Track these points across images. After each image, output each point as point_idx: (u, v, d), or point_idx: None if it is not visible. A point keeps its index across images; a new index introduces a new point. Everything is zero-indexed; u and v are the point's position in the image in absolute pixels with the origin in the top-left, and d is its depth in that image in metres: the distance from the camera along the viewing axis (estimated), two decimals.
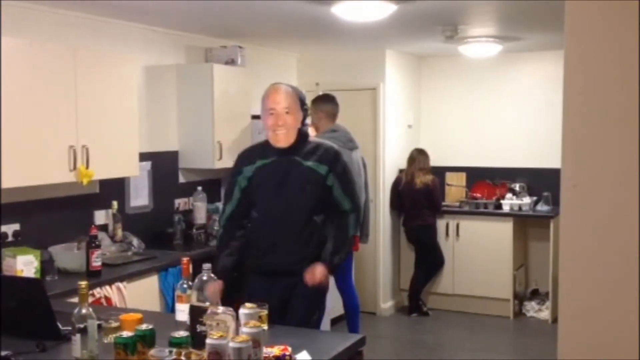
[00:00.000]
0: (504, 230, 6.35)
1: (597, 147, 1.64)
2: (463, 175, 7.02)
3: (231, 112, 5.28)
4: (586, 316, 1.69)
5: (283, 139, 3.16)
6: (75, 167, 3.96)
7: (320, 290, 3.25)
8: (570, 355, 1.71)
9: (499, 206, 6.52)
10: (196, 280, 2.53)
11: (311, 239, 3.20)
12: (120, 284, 3.92)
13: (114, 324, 2.51)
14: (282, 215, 3.20)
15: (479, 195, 6.74)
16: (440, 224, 6.57)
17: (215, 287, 2.96)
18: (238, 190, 3.29)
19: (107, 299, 3.81)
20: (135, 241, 4.57)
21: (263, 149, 3.28)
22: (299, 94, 3.23)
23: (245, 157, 3.32)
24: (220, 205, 5.07)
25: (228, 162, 5.21)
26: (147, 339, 2.24)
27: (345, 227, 3.29)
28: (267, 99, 3.20)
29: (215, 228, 5.01)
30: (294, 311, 3.18)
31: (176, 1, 4.09)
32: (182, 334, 2.24)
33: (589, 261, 1.68)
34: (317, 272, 3.14)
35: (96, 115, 4.11)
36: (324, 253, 3.21)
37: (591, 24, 1.64)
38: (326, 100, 5.08)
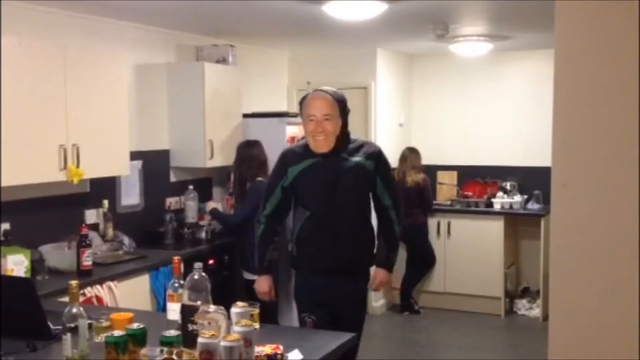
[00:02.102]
0: (495, 228, 6.37)
1: (586, 147, 1.65)
2: (454, 174, 7.04)
3: (222, 110, 5.27)
4: (576, 314, 1.70)
5: (322, 144, 3.26)
6: (65, 166, 3.94)
7: (365, 288, 3.47)
8: (561, 353, 1.72)
9: (490, 205, 6.54)
10: (187, 280, 2.52)
11: (365, 233, 3.39)
12: (111, 283, 3.91)
13: (105, 324, 2.50)
14: (336, 212, 3.30)
15: (470, 193, 6.76)
16: (432, 222, 6.58)
17: (269, 282, 3.43)
18: (280, 190, 3.42)
19: (98, 298, 3.80)
20: (126, 240, 4.55)
21: (308, 150, 3.35)
22: (338, 100, 3.30)
23: (290, 157, 3.41)
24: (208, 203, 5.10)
25: (219, 160, 5.22)
26: (138, 338, 2.24)
27: (390, 224, 3.43)
28: (307, 105, 3.29)
29: (205, 227, 5.03)
30: (351, 313, 3.37)
31: (168, 0, 4.07)
32: (174, 333, 2.23)
33: (579, 259, 1.69)
34: (381, 280, 3.43)
35: (86, 114, 4.10)
36: (379, 255, 3.42)
37: (581, 24, 1.65)
38: None
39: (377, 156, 3.36)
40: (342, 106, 3.30)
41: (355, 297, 3.42)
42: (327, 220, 3.31)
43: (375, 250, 3.46)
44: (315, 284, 3.35)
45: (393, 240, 3.46)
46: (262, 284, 3.49)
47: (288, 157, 3.42)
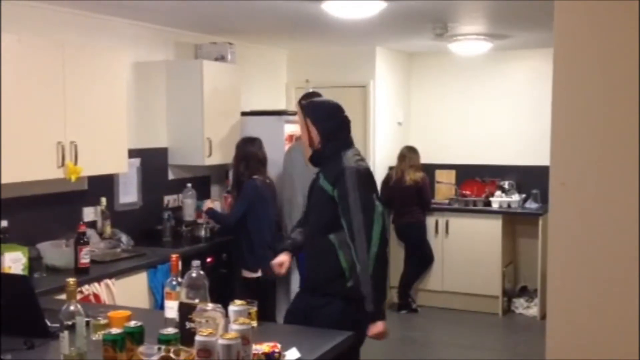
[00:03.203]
0: (493, 227, 6.37)
1: (585, 145, 1.64)
2: (453, 172, 7.04)
3: (221, 108, 5.27)
4: (574, 313, 1.70)
5: (305, 154, 3.22)
6: (63, 164, 3.94)
7: (336, 319, 3.01)
8: (559, 352, 1.72)
9: (488, 204, 6.54)
10: (185, 277, 2.52)
11: (326, 257, 3.07)
12: (109, 281, 3.91)
13: (103, 321, 2.50)
14: (306, 230, 3.26)
15: (468, 192, 6.76)
16: (430, 221, 6.59)
17: (283, 257, 3.27)
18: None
19: (96, 296, 3.80)
20: (124, 238, 4.55)
21: None
22: (309, 107, 3.14)
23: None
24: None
25: (217, 158, 5.22)
26: (135, 336, 2.24)
27: (362, 263, 2.99)
28: None
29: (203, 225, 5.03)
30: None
31: None
32: (171, 331, 2.23)
33: (577, 258, 1.69)
34: (372, 333, 3.03)
35: (85, 111, 4.09)
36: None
37: (580, 22, 1.65)
38: (312, 98, 5.06)
39: (336, 175, 3.04)
40: (315, 115, 3.11)
41: (318, 319, 3.05)
42: (305, 236, 3.30)
43: (348, 285, 3.05)
44: (299, 295, 3.36)
45: (358, 284, 2.99)
46: (278, 258, 3.32)
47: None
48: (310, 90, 5.65)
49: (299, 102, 3.27)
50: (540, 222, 6.21)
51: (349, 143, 3.18)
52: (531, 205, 6.48)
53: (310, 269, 3.21)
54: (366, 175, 3.11)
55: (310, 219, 3.22)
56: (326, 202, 3.06)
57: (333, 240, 3.05)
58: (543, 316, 6.15)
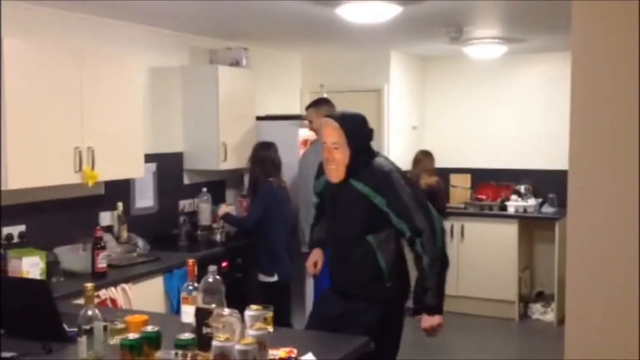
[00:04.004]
0: (509, 232, 6.34)
1: (604, 150, 1.63)
2: (468, 176, 7.01)
3: (236, 113, 5.28)
4: (593, 318, 1.69)
5: (334, 174, 3.15)
6: (80, 169, 3.96)
7: (376, 324, 3.10)
8: (577, 358, 1.71)
9: (504, 208, 6.50)
10: (202, 282, 2.52)
11: (364, 259, 3.11)
12: (125, 286, 3.92)
13: (120, 326, 2.51)
14: (336, 234, 3.25)
15: (483, 196, 6.73)
16: (445, 225, 6.54)
17: (314, 256, 3.42)
18: (316, 193, 3.50)
19: (113, 300, 3.81)
20: (140, 242, 4.57)
21: None
22: (346, 128, 3.11)
23: (320, 170, 3.39)
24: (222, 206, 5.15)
25: (232, 163, 5.23)
26: (153, 341, 2.25)
27: (418, 259, 3.12)
28: (321, 131, 3.22)
29: (219, 229, 5.04)
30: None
31: (181, 3, 4.09)
32: (188, 336, 2.24)
33: (595, 264, 1.68)
34: (424, 327, 3.20)
35: (101, 116, 4.12)
36: (418, 298, 3.18)
37: (598, 25, 1.64)
38: (321, 104, 5.07)
39: (379, 181, 3.09)
40: (353, 133, 3.12)
41: (358, 325, 3.08)
42: (331, 241, 3.32)
43: (387, 285, 3.18)
44: (323, 296, 3.39)
45: (424, 278, 3.13)
46: (311, 258, 3.49)
47: (319, 169, 3.42)
48: (325, 95, 5.67)
49: (334, 119, 3.15)
50: (557, 227, 6.17)
51: (375, 152, 3.24)
52: (547, 209, 6.43)
53: (341, 274, 3.21)
54: (406, 175, 3.25)
55: (340, 224, 3.20)
56: (365, 206, 3.08)
57: (371, 241, 3.10)
58: (560, 321, 6.11)
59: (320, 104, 5.09)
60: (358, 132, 3.16)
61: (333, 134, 3.11)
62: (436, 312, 3.16)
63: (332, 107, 5.04)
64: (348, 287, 3.17)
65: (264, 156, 4.89)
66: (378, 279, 3.13)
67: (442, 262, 3.16)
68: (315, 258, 3.46)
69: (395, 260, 3.18)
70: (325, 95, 6.11)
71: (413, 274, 3.32)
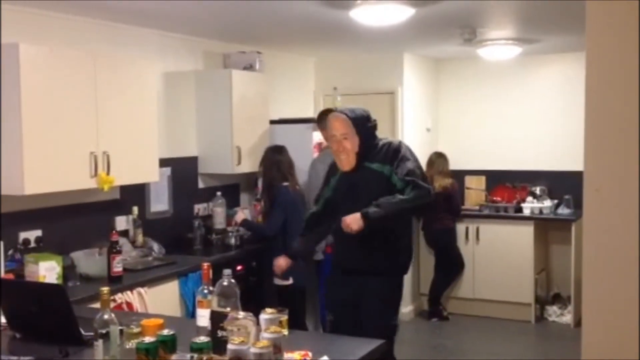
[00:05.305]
0: (525, 233, 6.30)
1: (619, 151, 1.62)
2: (482, 178, 6.98)
3: (250, 117, 5.30)
4: (610, 320, 1.68)
5: (345, 164, 3.51)
6: (96, 174, 3.99)
7: (393, 291, 3.54)
8: (595, 358, 1.69)
9: (520, 210, 6.47)
10: (217, 286, 2.53)
11: (383, 236, 3.46)
12: (141, 289, 3.94)
13: (136, 330, 2.52)
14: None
15: (499, 198, 6.70)
16: (460, 227, 6.54)
17: (286, 261, 3.94)
18: (323, 199, 3.75)
19: (129, 304, 3.83)
20: (155, 246, 4.59)
21: None
22: (353, 118, 3.47)
23: (332, 168, 3.72)
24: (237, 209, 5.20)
25: (247, 167, 5.24)
26: (168, 345, 2.25)
27: (395, 196, 3.41)
28: (328, 126, 3.61)
29: (233, 233, 5.05)
30: (367, 310, 3.51)
31: (195, 7, 4.11)
32: (203, 339, 2.24)
33: (612, 265, 1.67)
34: (348, 217, 3.41)
35: (116, 121, 4.15)
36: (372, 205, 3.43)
37: (613, 25, 1.63)
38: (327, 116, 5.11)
39: (393, 156, 3.47)
40: (360, 124, 3.48)
41: (375, 297, 3.52)
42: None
43: (400, 259, 3.60)
44: (338, 282, 3.65)
45: (387, 204, 3.40)
46: (280, 261, 4.00)
47: (332, 167, 3.73)
48: (339, 98, 5.67)
49: (341, 112, 3.53)
50: (573, 228, 6.13)
51: (380, 139, 3.62)
52: (563, 210, 6.39)
53: (357, 253, 3.51)
54: (414, 153, 3.61)
55: (361, 207, 3.41)
56: (382, 183, 3.44)
57: (392, 224, 3.46)
58: (577, 323, 6.06)
59: (320, 120, 5.14)
60: (364, 121, 3.51)
61: (342, 126, 3.47)
62: (366, 220, 3.38)
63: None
64: (362, 265, 3.51)
65: (278, 160, 4.90)
66: (394, 253, 3.51)
67: (410, 212, 3.59)
68: (286, 264, 3.96)
69: (407, 234, 3.61)
70: (338, 99, 6.14)
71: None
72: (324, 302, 5.10)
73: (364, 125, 3.50)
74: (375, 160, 3.48)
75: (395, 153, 3.49)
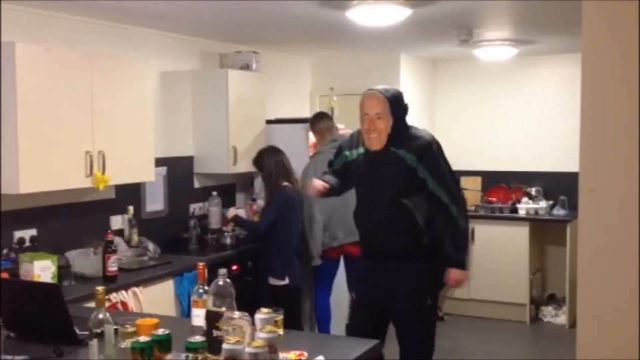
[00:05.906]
0: (520, 234, 6.31)
1: (614, 152, 1.62)
2: (478, 179, 6.99)
3: (246, 117, 5.29)
4: (605, 321, 1.68)
5: (375, 142, 3.43)
6: (91, 173, 3.98)
7: (427, 276, 3.46)
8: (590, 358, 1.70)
9: (515, 210, 6.48)
10: (212, 285, 2.53)
11: (403, 219, 3.41)
12: (136, 289, 3.94)
13: (131, 329, 2.52)
14: (373, 198, 3.48)
15: (494, 199, 6.71)
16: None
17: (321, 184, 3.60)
18: (341, 162, 3.66)
19: (124, 303, 3.83)
20: (150, 246, 4.59)
21: (362, 140, 3.56)
22: (389, 98, 3.43)
23: (346, 143, 3.67)
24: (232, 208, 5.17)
25: (243, 166, 5.24)
26: (163, 344, 2.25)
27: (453, 222, 3.42)
28: (362, 104, 3.48)
29: (229, 233, 5.05)
30: (402, 295, 3.46)
31: (192, 7, 4.11)
32: (199, 339, 2.24)
33: (607, 266, 1.67)
34: (453, 279, 3.47)
35: (112, 121, 4.14)
36: (448, 255, 3.45)
37: (609, 26, 1.63)
38: (319, 119, 5.12)
39: (422, 150, 3.42)
40: (394, 104, 3.44)
41: (401, 284, 3.45)
42: (368, 208, 3.52)
43: (424, 241, 3.48)
44: (360, 265, 3.70)
45: (459, 238, 3.45)
46: (316, 182, 3.66)
47: (344, 145, 3.69)
48: (335, 98, 5.67)
49: (378, 91, 3.45)
50: (568, 229, 6.14)
51: (409, 125, 3.58)
52: (559, 211, 6.41)
53: (379, 236, 3.49)
54: (442, 149, 3.61)
55: (378, 188, 3.43)
56: (404, 171, 3.39)
57: (408, 204, 3.40)
58: (571, 324, 6.08)
59: (312, 122, 5.14)
60: (399, 103, 3.48)
61: (378, 105, 3.41)
62: (464, 268, 3.46)
63: (322, 121, 5.07)
64: (386, 248, 3.46)
65: (278, 161, 4.87)
66: (417, 236, 3.43)
67: (467, 230, 3.53)
68: (323, 184, 3.61)
69: (428, 218, 3.47)
70: (335, 99, 6.14)
71: None
72: (320, 303, 5.11)
73: (398, 107, 3.46)
74: (403, 146, 3.41)
75: (428, 147, 3.45)
